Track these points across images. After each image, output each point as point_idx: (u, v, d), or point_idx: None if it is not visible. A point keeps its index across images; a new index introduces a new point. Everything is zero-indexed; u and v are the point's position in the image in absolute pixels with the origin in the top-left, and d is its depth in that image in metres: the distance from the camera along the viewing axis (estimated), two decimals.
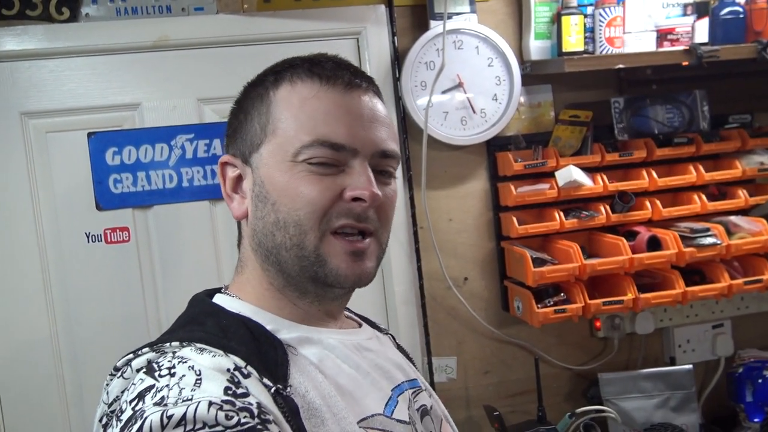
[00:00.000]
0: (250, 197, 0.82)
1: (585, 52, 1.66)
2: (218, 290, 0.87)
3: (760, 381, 1.82)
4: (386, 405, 0.79)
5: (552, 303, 1.68)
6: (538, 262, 1.68)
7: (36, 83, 1.57)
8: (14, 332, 1.58)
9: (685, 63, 1.64)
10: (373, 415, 0.77)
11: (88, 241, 1.62)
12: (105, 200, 1.62)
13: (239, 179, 0.84)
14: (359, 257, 0.78)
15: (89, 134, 1.60)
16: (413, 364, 0.99)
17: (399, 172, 1.72)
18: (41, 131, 1.59)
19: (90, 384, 1.62)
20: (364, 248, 0.79)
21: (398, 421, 0.79)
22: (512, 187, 1.72)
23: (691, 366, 1.83)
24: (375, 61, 1.71)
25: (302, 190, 0.77)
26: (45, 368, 1.60)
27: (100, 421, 0.72)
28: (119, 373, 0.72)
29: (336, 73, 0.80)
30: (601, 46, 1.66)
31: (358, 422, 0.74)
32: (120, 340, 1.62)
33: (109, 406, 0.71)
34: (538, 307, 1.66)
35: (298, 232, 0.77)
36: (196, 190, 1.66)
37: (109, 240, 1.63)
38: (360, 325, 0.92)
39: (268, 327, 0.78)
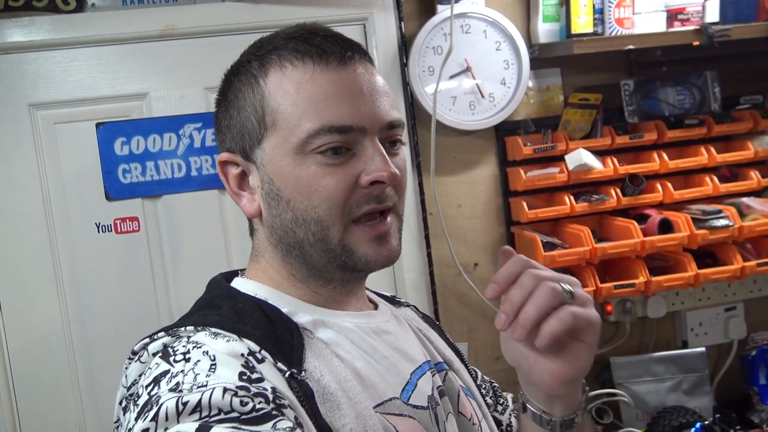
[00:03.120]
0: (261, 195, 0.79)
1: (594, 33, 1.65)
2: (235, 273, 0.86)
3: None
4: (403, 390, 0.78)
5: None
6: (549, 246, 1.67)
7: (44, 74, 1.57)
8: (27, 323, 1.59)
9: (696, 43, 1.62)
10: (390, 399, 0.76)
11: (99, 232, 1.62)
12: (114, 190, 1.62)
13: (243, 176, 0.81)
14: (384, 239, 0.77)
15: (97, 125, 1.60)
16: (438, 328, 0.97)
17: (408, 158, 1.72)
18: (49, 122, 1.59)
19: (102, 373, 1.63)
20: (388, 229, 0.78)
21: (414, 406, 0.77)
22: (522, 172, 1.71)
23: (703, 349, 1.83)
24: (382, 46, 1.70)
25: (317, 185, 0.74)
26: (57, 358, 1.61)
27: (120, 404, 0.72)
28: (136, 357, 0.72)
29: (326, 50, 0.76)
30: (610, 28, 1.64)
31: (374, 407, 0.73)
32: (131, 329, 1.63)
33: (128, 389, 0.71)
34: None
35: (320, 228, 0.76)
36: (204, 179, 1.66)
37: (119, 230, 1.63)
38: (376, 307, 0.89)
39: (285, 310, 0.77)
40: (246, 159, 0.80)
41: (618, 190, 1.72)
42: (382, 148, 0.76)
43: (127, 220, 1.63)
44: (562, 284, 0.70)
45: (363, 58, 0.79)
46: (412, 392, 0.79)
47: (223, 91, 0.83)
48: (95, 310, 1.63)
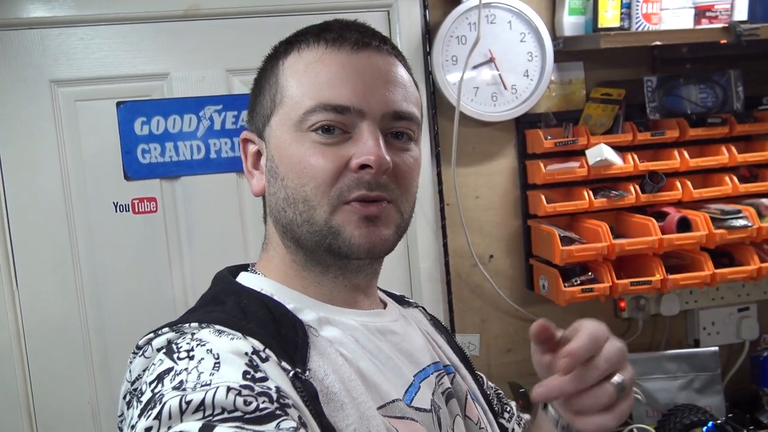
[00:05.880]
0: (265, 173, 0.80)
1: (621, 28, 1.63)
2: (242, 267, 0.85)
3: None
4: (407, 392, 0.77)
5: (579, 282, 1.67)
6: (566, 241, 1.67)
7: (66, 51, 1.57)
8: (42, 300, 1.59)
9: (724, 41, 1.60)
10: (393, 401, 0.75)
11: (116, 211, 1.62)
12: (133, 170, 1.62)
13: (258, 155, 0.82)
14: (373, 223, 0.75)
15: (118, 103, 1.59)
16: (446, 332, 0.97)
17: (426, 148, 1.72)
18: (70, 99, 1.58)
19: (116, 352, 1.63)
20: (378, 213, 0.75)
21: (417, 409, 0.77)
22: (541, 165, 1.70)
23: (716, 348, 1.82)
24: (405, 34, 1.69)
25: (306, 164, 0.74)
26: (72, 336, 1.61)
27: (124, 398, 0.71)
28: (141, 352, 0.70)
29: (343, 35, 0.76)
30: (637, 23, 1.63)
31: (377, 408, 0.72)
32: (146, 309, 1.63)
33: (132, 384, 0.70)
34: (565, 286, 1.65)
35: (307, 208, 0.75)
36: (223, 162, 1.66)
37: (136, 210, 1.63)
38: (385, 306, 0.88)
39: (290, 306, 0.76)
40: (260, 137, 0.81)
41: (637, 187, 1.71)
42: (379, 134, 0.75)
43: (145, 201, 1.63)
44: (617, 378, 0.69)
45: (384, 48, 0.78)
46: (415, 394, 0.78)
47: (257, 76, 0.84)
48: (111, 289, 1.63)
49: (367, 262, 0.81)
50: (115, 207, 1.62)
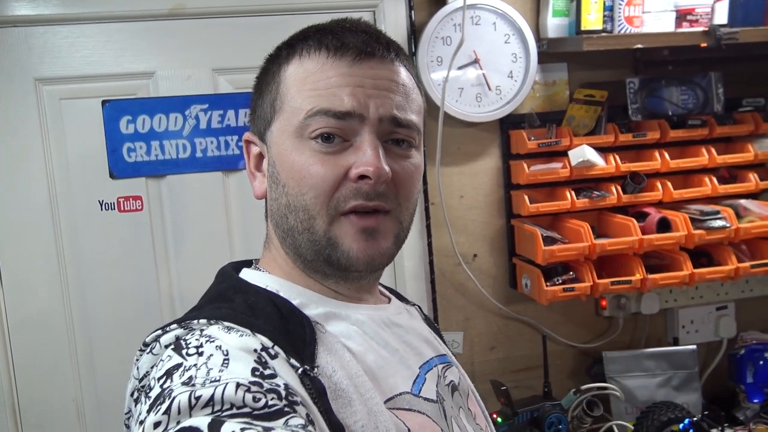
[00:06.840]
0: (267, 177, 0.81)
1: (603, 30, 1.65)
2: (244, 263, 0.86)
3: (761, 363, 1.85)
4: (414, 383, 0.78)
5: (561, 281, 1.69)
6: (549, 241, 1.69)
7: (51, 49, 1.56)
8: (27, 298, 1.60)
9: (704, 44, 1.63)
10: (400, 394, 0.76)
11: (102, 209, 1.62)
12: (119, 169, 1.62)
13: (260, 157, 0.83)
14: (371, 236, 0.76)
15: (103, 102, 1.60)
16: (440, 335, 0.98)
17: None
18: (55, 98, 1.58)
19: (102, 351, 1.63)
20: (376, 225, 0.76)
21: (425, 399, 0.78)
22: (525, 165, 1.72)
23: (695, 346, 1.86)
24: (391, 34, 1.65)
25: (306, 173, 0.75)
26: (57, 333, 1.62)
27: (132, 395, 0.72)
28: (148, 349, 0.71)
29: (345, 43, 0.76)
30: (619, 25, 1.65)
31: (384, 401, 0.73)
32: (131, 307, 1.64)
33: (140, 381, 0.70)
34: (546, 285, 1.67)
35: (307, 217, 0.76)
36: (209, 161, 1.66)
37: (122, 208, 1.63)
38: (389, 300, 0.90)
39: (296, 302, 0.76)
40: (261, 140, 0.82)
41: (619, 188, 1.74)
42: (377, 142, 0.75)
43: (131, 199, 1.63)
44: None
45: (389, 56, 0.78)
46: (422, 386, 0.79)
47: (258, 75, 0.85)
48: (96, 287, 1.63)
49: (365, 273, 0.81)
50: (101, 205, 1.62)
